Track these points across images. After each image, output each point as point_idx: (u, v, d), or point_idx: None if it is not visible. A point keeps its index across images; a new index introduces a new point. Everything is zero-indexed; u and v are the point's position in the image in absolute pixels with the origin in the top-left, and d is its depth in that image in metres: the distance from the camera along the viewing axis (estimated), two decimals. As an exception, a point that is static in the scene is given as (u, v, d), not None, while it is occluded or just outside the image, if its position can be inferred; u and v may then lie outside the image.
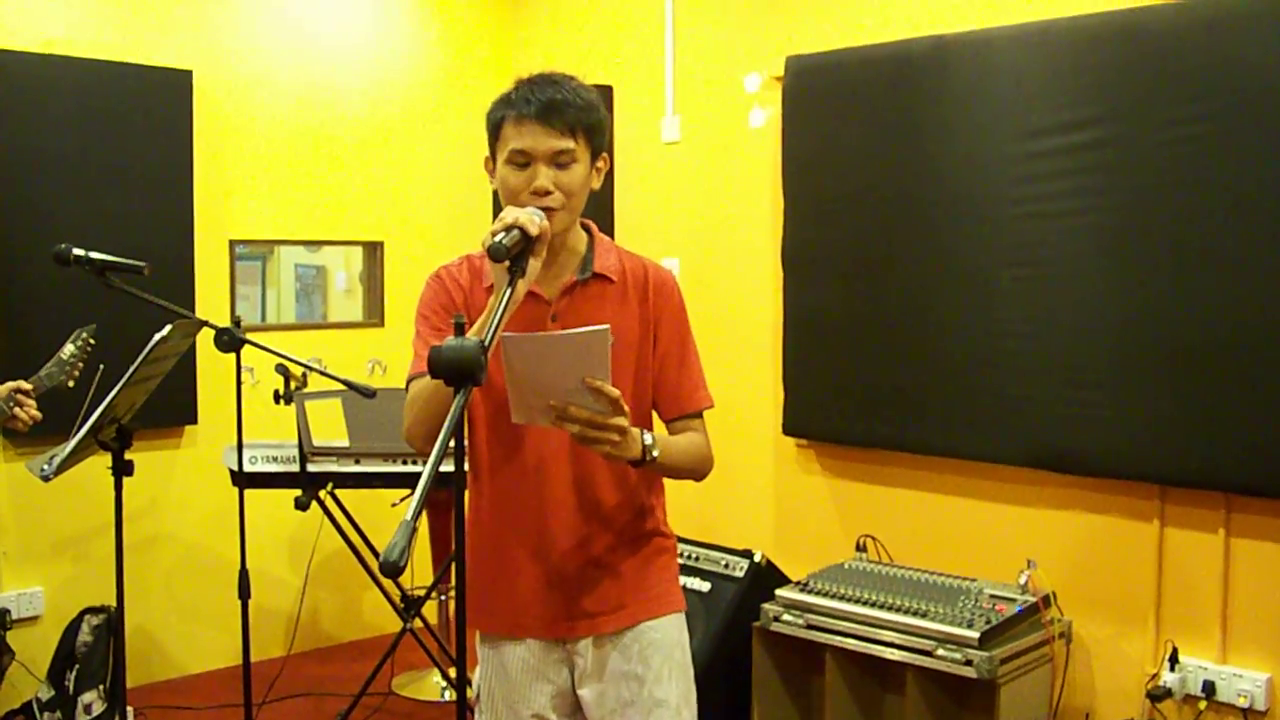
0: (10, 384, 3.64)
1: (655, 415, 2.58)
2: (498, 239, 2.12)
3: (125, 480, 3.66)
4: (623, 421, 2.22)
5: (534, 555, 2.48)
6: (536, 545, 2.48)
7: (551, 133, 2.35)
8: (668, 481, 2.62)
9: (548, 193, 2.34)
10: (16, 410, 3.61)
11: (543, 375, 2.18)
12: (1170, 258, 3.82)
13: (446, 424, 1.82)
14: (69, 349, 3.74)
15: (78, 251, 3.62)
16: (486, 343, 1.95)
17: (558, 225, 2.36)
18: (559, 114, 2.35)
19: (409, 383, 2.43)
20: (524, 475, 2.47)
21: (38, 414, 3.66)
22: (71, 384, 3.73)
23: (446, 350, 1.89)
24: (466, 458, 2.52)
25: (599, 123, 2.44)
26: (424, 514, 5.11)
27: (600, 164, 2.47)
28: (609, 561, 2.50)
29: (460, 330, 1.94)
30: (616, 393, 2.19)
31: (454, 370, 1.88)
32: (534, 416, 2.24)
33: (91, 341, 3.77)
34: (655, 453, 2.34)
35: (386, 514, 5.08)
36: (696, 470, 2.56)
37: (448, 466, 1.95)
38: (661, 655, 2.52)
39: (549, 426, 2.25)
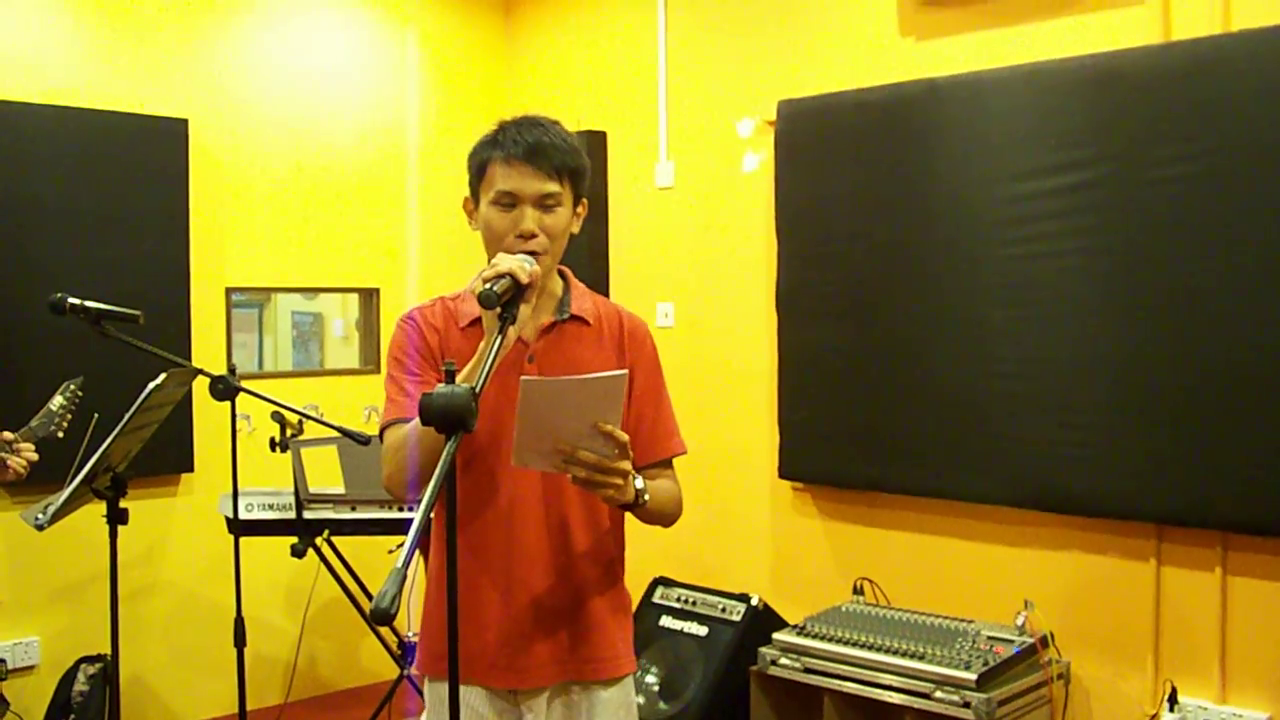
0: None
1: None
2: (489, 286, 2.12)
3: (122, 528, 3.67)
4: (627, 465, 2.21)
5: (498, 601, 2.42)
6: (501, 591, 2.42)
7: (539, 175, 2.35)
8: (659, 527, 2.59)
9: (533, 236, 2.33)
10: (10, 459, 3.60)
11: (555, 419, 2.15)
12: (1162, 296, 3.85)
13: (438, 471, 1.82)
14: (58, 400, 3.75)
15: (73, 300, 3.62)
16: (477, 389, 1.96)
17: (543, 270, 2.34)
18: (546, 156, 2.35)
19: (383, 430, 2.39)
20: (495, 521, 2.42)
21: (34, 455, 3.64)
22: (61, 434, 3.73)
23: (438, 397, 1.90)
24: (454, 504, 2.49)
25: (582, 167, 2.44)
26: (420, 560, 5.13)
27: (580, 209, 2.47)
28: (571, 612, 2.45)
29: (451, 377, 1.94)
30: (626, 437, 2.18)
31: (446, 417, 1.89)
32: (536, 460, 2.21)
33: (79, 393, 3.77)
34: (646, 496, 2.33)
35: (383, 560, 5.06)
36: (673, 515, 2.54)
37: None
38: (608, 718, 2.48)
39: (550, 470, 2.23)
